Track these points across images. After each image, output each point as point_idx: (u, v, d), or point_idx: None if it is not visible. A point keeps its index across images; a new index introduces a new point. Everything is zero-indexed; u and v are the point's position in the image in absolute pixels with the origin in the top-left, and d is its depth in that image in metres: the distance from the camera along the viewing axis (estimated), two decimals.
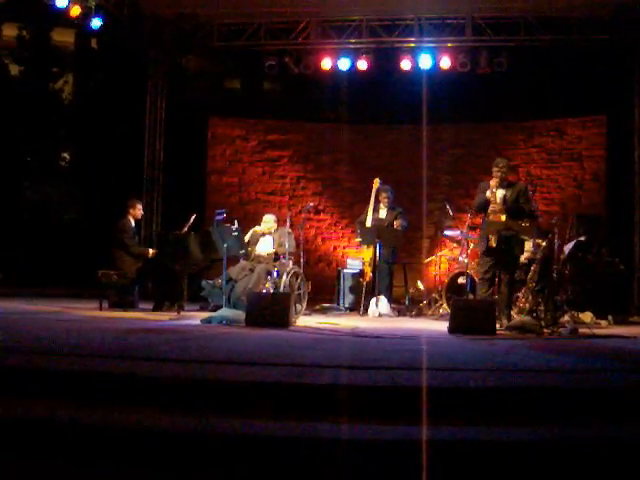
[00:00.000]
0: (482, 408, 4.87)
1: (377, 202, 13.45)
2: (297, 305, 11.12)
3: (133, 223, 12.79)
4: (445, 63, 15.52)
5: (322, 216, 18.19)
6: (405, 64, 15.69)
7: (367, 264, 13.07)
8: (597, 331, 9.74)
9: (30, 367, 5.53)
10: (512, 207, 10.34)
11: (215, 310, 10.90)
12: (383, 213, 13.41)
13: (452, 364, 6.22)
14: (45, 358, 5.91)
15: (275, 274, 11.28)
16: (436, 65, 15.59)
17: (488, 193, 10.45)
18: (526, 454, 4.30)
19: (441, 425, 4.58)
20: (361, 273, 13.29)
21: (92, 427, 4.54)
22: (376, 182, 13.36)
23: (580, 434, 4.59)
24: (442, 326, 9.89)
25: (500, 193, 10.43)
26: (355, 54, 15.92)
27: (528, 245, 11.57)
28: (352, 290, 13.96)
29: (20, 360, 5.78)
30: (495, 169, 10.56)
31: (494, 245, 10.24)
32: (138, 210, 12.93)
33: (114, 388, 5.12)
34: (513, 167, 17.04)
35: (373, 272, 12.83)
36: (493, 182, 10.43)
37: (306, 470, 4.22)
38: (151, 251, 12.57)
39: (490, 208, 10.45)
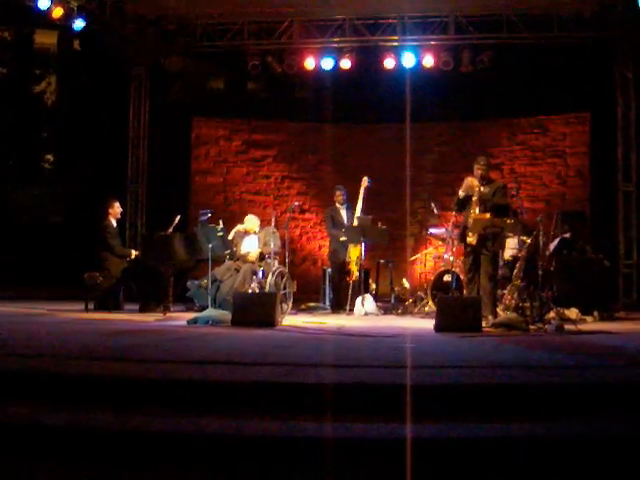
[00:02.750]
0: (467, 405, 4.88)
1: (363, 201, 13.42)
2: (283, 304, 11.10)
3: (115, 223, 12.78)
4: (428, 61, 15.52)
5: (307, 215, 18.19)
6: (388, 63, 15.69)
7: (354, 263, 13.03)
8: (583, 327, 9.76)
9: (14, 369, 5.51)
10: (496, 204, 10.39)
11: (201, 310, 10.90)
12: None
13: (438, 362, 6.24)
14: (30, 360, 5.89)
15: (260, 274, 11.29)
16: (419, 63, 15.58)
17: (461, 192, 10.50)
18: (512, 450, 4.31)
19: (426, 422, 4.59)
20: (348, 272, 13.21)
21: (78, 429, 4.53)
22: (365, 181, 13.31)
23: (566, 430, 4.60)
24: (428, 324, 9.89)
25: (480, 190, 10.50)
26: (338, 53, 15.90)
27: (513, 242, 11.62)
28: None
29: (4, 362, 5.76)
30: (476, 166, 10.64)
31: (474, 243, 10.31)
32: (117, 209, 12.89)
33: (99, 390, 5.11)
34: (497, 165, 17.16)
35: (359, 271, 12.83)
36: (475, 181, 10.47)
37: (292, 469, 4.22)
38: (134, 252, 12.60)
39: (473, 206, 10.48)
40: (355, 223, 13.12)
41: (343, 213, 13.39)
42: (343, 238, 13.01)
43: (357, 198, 13.33)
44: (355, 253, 12.97)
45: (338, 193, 13.52)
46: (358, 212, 13.24)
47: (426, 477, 4.13)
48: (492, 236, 10.32)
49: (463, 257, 11.02)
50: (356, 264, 12.94)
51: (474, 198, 10.43)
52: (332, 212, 13.58)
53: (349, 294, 12.65)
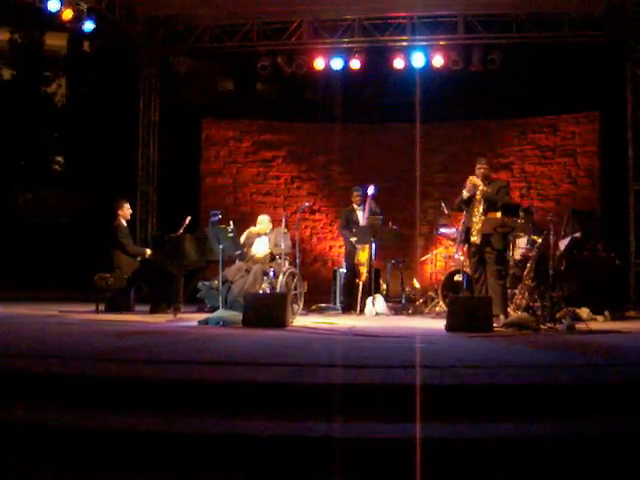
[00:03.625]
0: (478, 405, 4.87)
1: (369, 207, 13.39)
2: (294, 305, 11.11)
3: (125, 223, 12.79)
4: (438, 61, 15.53)
5: (317, 216, 18.19)
6: (398, 63, 15.71)
7: (363, 264, 13.02)
8: (594, 327, 9.73)
9: (23, 370, 5.52)
10: (506, 204, 10.40)
11: (212, 311, 10.90)
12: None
13: (449, 362, 6.22)
14: (42, 362, 5.90)
15: (271, 274, 11.28)
16: (429, 63, 15.59)
17: (466, 192, 10.52)
18: (523, 450, 4.30)
19: (437, 423, 4.58)
20: (357, 273, 13.18)
21: (89, 431, 4.53)
22: (371, 188, 13.27)
23: (578, 430, 4.59)
24: (439, 324, 9.88)
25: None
26: (348, 54, 15.92)
27: (524, 242, 11.61)
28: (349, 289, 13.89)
29: (16, 363, 5.77)
30: (478, 166, 10.71)
31: (478, 242, 10.35)
32: (127, 210, 12.91)
33: (111, 391, 5.12)
34: (507, 164, 17.16)
35: (369, 272, 12.82)
36: (478, 180, 10.51)
37: (302, 469, 4.22)
38: (148, 251, 12.62)
39: (476, 204, 10.52)
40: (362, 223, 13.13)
41: (359, 214, 13.38)
42: (353, 238, 13.03)
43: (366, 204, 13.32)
44: (364, 255, 12.96)
45: (355, 194, 13.53)
46: (363, 219, 13.21)
47: (436, 477, 4.12)
48: (497, 234, 10.31)
49: (468, 257, 11.02)
50: (365, 265, 12.93)
51: (477, 196, 10.46)
52: (347, 213, 13.61)
53: (359, 295, 12.67)
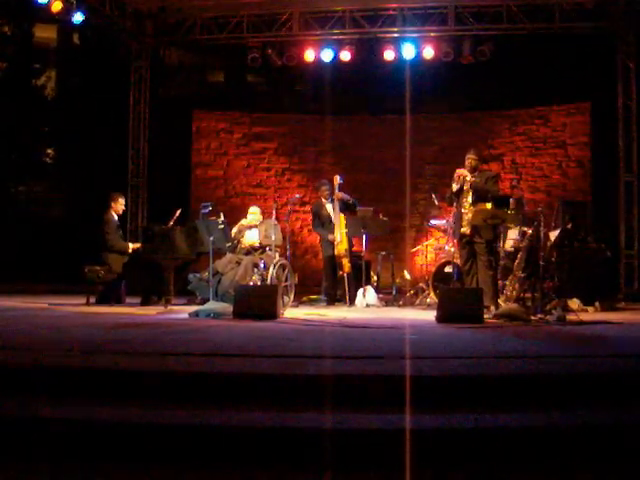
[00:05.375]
0: (468, 396, 4.88)
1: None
2: (284, 297, 11.09)
3: (116, 217, 12.76)
4: (428, 53, 15.50)
5: (308, 208, 18.11)
6: (388, 54, 15.68)
7: (343, 256, 12.96)
8: (584, 318, 9.75)
9: (14, 363, 5.50)
10: (496, 196, 10.41)
11: (202, 303, 10.89)
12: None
13: (439, 353, 6.24)
14: (32, 354, 5.88)
15: (262, 266, 11.26)
16: (419, 55, 15.57)
17: (455, 185, 10.51)
18: (514, 440, 4.31)
19: (427, 413, 4.58)
20: (339, 265, 13.12)
21: (78, 423, 4.53)
22: (336, 179, 13.20)
23: (568, 420, 4.60)
24: (430, 315, 9.90)
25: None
26: (338, 45, 15.89)
27: (514, 233, 11.61)
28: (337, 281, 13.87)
29: (6, 356, 5.75)
30: (468, 157, 10.68)
31: (467, 232, 10.34)
32: (120, 205, 12.89)
33: (101, 383, 5.11)
34: (497, 156, 17.17)
35: (350, 261, 12.81)
36: (465, 171, 10.52)
37: (292, 459, 4.23)
38: (131, 245, 12.59)
39: (464, 195, 10.52)
40: (334, 219, 13.07)
41: (328, 207, 13.31)
42: (331, 236, 12.99)
43: (348, 193, 13.29)
44: (343, 246, 12.93)
45: (323, 188, 13.42)
46: (333, 210, 13.15)
47: (426, 468, 4.13)
48: (486, 225, 10.30)
49: (459, 249, 11.01)
50: (346, 256, 12.89)
51: (465, 187, 10.45)
52: (317, 208, 13.54)
53: (346, 287, 12.64)
